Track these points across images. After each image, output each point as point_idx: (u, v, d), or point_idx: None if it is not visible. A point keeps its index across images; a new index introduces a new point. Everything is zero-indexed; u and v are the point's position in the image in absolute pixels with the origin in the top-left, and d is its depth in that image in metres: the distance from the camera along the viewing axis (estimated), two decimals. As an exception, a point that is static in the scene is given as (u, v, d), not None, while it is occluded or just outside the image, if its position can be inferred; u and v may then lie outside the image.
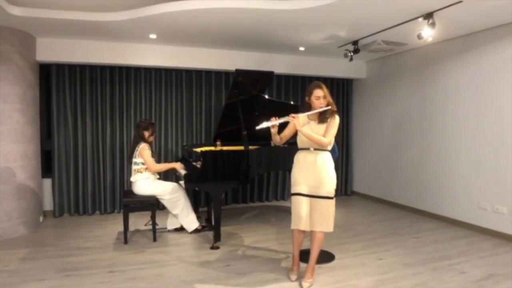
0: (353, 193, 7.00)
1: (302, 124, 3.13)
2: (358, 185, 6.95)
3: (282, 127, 3.21)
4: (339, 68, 6.31)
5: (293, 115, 3.09)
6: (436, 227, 4.83)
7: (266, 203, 6.42)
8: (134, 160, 4.29)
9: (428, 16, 3.65)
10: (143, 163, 4.25)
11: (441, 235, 4.50)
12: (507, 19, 4.04)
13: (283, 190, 6.58)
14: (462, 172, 4.82)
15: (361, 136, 6.81)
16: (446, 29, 4.23)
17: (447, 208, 5.02)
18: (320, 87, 3.11)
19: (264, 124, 3.09)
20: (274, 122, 3.06)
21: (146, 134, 4.36)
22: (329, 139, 3.08)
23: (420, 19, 3.76)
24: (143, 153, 4.22)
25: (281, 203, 6.42)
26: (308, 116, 3.17)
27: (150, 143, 4.38)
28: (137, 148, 4.27)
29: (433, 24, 3.65)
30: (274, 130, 3.12)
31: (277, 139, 3.23)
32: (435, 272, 3.39)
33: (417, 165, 5.56)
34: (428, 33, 3.74)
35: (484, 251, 3.94)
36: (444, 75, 5.06)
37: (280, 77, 6.24)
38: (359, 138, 6.87)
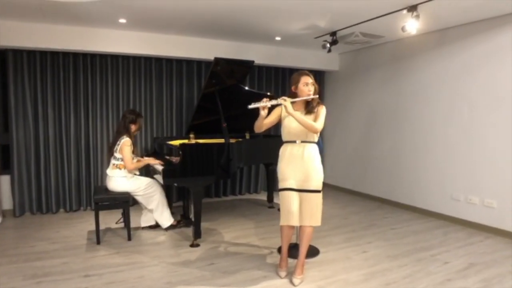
0: (324, 185, 6.97)
1: (288, 115, 3.02)
2: (329, 177, 6.95)
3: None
4: (312, 59, 6.26)
5: (284, 97, 2.98)
6: (411, 218, 4.93)
7: (239, 196, 6.30)
8: (114, 154, 4.01)
9: (412, 8, 3.64)
10: (122, 159, 3.98)
11: (417, 226, 4.59)
12: (483, 16, 4.15)
13: (256, 183, 6.49)
14: (435, 164, 4.93)
15: (333, 129, 6.82)
16: (422, 24, 4.24)
17: (421, 199, 5.15)
18: (308, 74, 3.09)
19: (256, 104, 2.94)
20: (266, 104, 2.92)
21: (133, 127, 4.11)
22: (320, 125, 2.99)
23: (404, 11, 3.74)
24: (124, 149, 3.94)
25: (254, 196, 6.34)
26: (293, 105, 3.06)
27: (133, 137, 4.12)
28: (118, 142, 3.99)
29: (417, 17, 3.65)
30: (264, 113, 2.96)
31: (261, 124, 3.04)
32: (420, 264, 3.43)
33: (390, 157, 5.64)
34: (412, 25, 3.74)
35: (460, 241, 4.06)
36: (418, 68, 5.14)
37: (254, 67, 6.08)
38: (330, 131, 6.88)
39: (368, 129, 6.06)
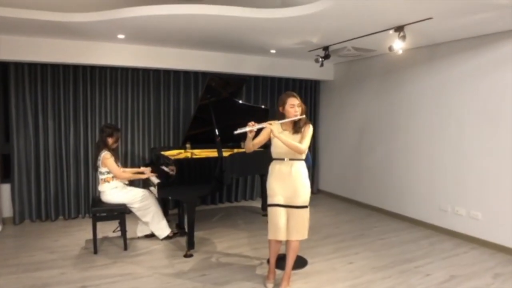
0: (319, 191, 7.17)
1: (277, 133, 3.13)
2: (324, 183, 7.13)
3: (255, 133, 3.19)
4: (307, 69, 6.38)
5: (270, 121, 3.11)
6: (400, 228, 5.06)
7: (235, 203, 6.44)
8: (99, 169, 4.14)
9: (399, 29, 3.77)
10: (108, 172, 4.11)
11: (405, 236, 4.72)
12: (469, 34, 4.29)
13: (252, 190, 6.63)
14: (424, 175, 5.07)
15: (328, 136, 6.96)
16: (412, 40, 4.38)
17: (410, 209, 5.28)
18: (294, 96, 3.18)
19: (242, 129, 3.04)
20: (252, 128, 3.04)
21: (110, 141, 4.18)
22: (305, 146, 3.11)
23: (391, 31, 3.87)
24: (106, 162, 4.06)
25: (249, 203, 6.47)
26: (281, 125, 3.20)
27: (113, 150, 4.21)
28: (99, 157, 4.11)
29: (403, 37, 3.78)
30: (251, 135, 3.09)
31: (250, 146, 3.19)
32: (403, 276, 3.57)
33: (382, 166, 5.78)
34: (399, 45, 3.87)
35: (445, 252, 4.19)
36: (409, 81, 5.27)
37: (249, 78, 6.22)
38: (325, 138, 7.03)
39: (361, 138, 6.19)
